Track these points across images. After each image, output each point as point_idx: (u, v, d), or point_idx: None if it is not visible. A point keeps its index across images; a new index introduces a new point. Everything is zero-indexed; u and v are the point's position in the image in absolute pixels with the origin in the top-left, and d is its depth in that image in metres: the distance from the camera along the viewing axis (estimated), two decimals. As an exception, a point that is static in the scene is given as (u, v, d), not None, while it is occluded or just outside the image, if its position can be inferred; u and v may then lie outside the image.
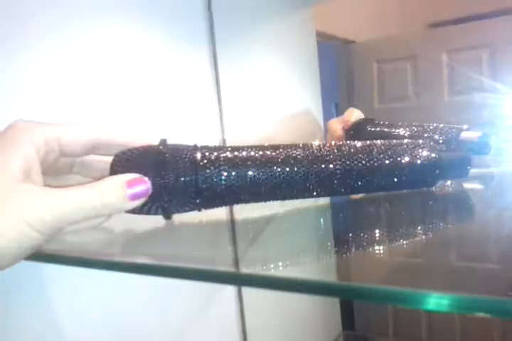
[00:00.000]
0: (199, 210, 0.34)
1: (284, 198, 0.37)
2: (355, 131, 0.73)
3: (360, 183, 0.38)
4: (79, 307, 0.72)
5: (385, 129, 0.71)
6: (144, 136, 0.34)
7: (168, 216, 0.33)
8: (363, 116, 0.78)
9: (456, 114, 1.23)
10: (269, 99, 1.14)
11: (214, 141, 1.00)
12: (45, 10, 0.69)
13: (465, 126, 0.66)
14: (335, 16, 1.33)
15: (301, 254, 0.35)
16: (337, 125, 0.76)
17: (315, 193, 0.37)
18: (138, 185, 0.30)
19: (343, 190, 0.38)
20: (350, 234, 0.42)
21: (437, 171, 0.41)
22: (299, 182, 0.35)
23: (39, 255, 0.35)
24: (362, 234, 0.40)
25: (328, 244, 0.39)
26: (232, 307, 1.04)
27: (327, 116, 1.32)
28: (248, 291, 1.03)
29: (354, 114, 0.76)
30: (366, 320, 1.60)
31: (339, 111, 1.41)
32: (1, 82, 0.63)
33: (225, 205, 0.36)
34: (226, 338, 1.04)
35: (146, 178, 0.31)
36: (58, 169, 0.35)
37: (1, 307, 0.63)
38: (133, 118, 0.82)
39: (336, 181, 0.37)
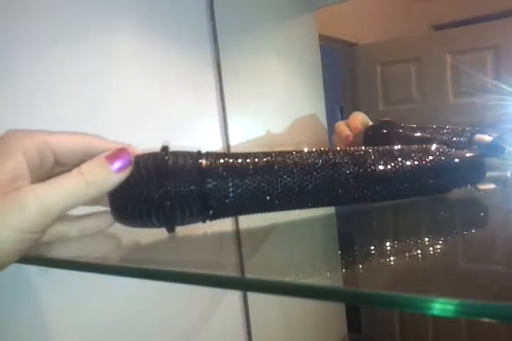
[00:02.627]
0: (203, 221, 0.32)
1: (296, 207, 0.34)
2: (372, 133, 0.74)
3: (373, 191, 0.36)
4: (83, 313, 0.73)
5: (401, 131, 0.71)
6: (133, 147, 0.33)
7: (171, 228, 0.32)
8: (368, 119, 0.78)
9: (461, 116, 1.23)
10: (272, 103, 1.15)
11: (217, 146, 1.00)
12: (48, 12, 0.69)
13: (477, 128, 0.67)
14: (338, 19, 1.33)
15: (306, 263, 0.35)
16: (344, 126, 0.77)
17: (329, 202, 0.35)
18: (119, 156, 0.30)
19: (356, 196, 0.36)
20: (357, 241, 0.42)
21: (452, 177, 0.40)
22: (313, 190, 0.33)
23: (49, 260, 0.35)
24: (368, 242, 0.40)
25: (334, 251, 0.39)
26: (237, 311, 1.04)
27: (331, 119, 1.32)
28: (253, 294, 1.03)
29: (360, 117, 0.76)
30: (373, 322, 1.59)
31: (344, 115, 1.41)
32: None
33: (233, 216, 0.34)
34: (232, 342, 1.04)
35: (125, 148, 0.30)
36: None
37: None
38: (135, 125, 0.82)
39: (349, 189, 0.35)
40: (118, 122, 0.79)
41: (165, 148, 0.32)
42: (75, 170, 0.29)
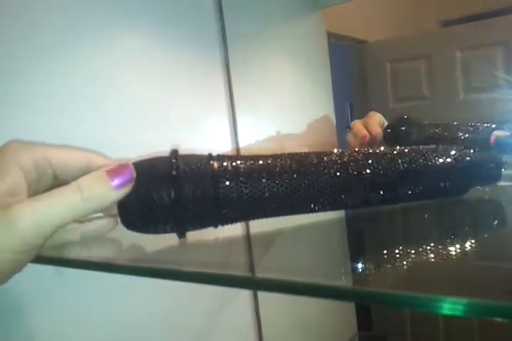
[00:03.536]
0: (215, 226, 0.31)
1: (312, 211, 0.33)
2: (391, 131, 0.74)
3: (389, 192, 0.35)
4: (95, 313, 0.73)
5: (420, 128, 0.71)
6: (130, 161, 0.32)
7: (182, 234, 0.30)
8: (384, 119, 0.78)
9: (472, 112, 1.22)
10: (281, 102, 1.15)
11: (227, 147, 1.00)
12: (52, 16, 0.70)
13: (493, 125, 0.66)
14: (347, 16, 1.33)
15: (316, 263, 0.35)
16: (360, 126, 0.76)
17: (347, 204, 0.34)
18: (120, 172, 0.28)
19: (374, 198, 0.35)
20: (367, 243, 0.42)
21: (468, 177, 0.39)
22: (330, 192, 0.32)
23: (63, 260, 0.35)
24: (379, 243, 0.40)
25: (344, 252, 0.39)
26: (248, 310, 1.05)
27: (341, 117, 1.32)
28: (263, 294, 1.03)
29: (377, 118, 0.76)
30: (384, 320, 1.59)
31: (353, 112, 1.41)
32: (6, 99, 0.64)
33: (246, 220, 0.33)
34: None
35: (128, 164, 0.29)
36: None
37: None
38: (144, 125, 0.82)
39: (366, 191, 0.34)
40: (127, 123, 0.79)
41: (174, 152, 0.30)
42: (72, 184, 0.27)
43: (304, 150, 0.35)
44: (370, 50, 1.42)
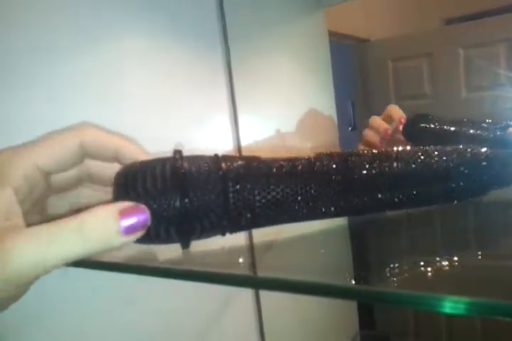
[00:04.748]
0: (223, 234, 0.28)
1: (323, 217, 0.31)
2: (409, 128, 0.73)
3: (403, 195, 0.32)
4: (96, 313, 0.74)
5: (437, 125, 0.71)
6: (135, 144, 0.30)
7: (186, 244, 0.27)
8: (402, 112, 0.77)
9: (474, 110, 1.22)
10: (283, 101, 1.15)
11: (228, 146, 1.00)
12: (52, 16, 0.70)
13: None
14: (349, 15, 1.33)
15: (318, 264, 0.35)
16: (380, 121, 0.75)
17: (363, 208, 0.31)
18: (134, 215, 0.24)
19: (386, 201, 0.32)
20: (370, 243, 0.42)
21: (487, 178, 0.36)
22: (343, 196, 0.30)
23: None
24: (382, 244, 0.40)
25: (347, 253, 0.39)
26: (250, 308, 1.05)
27: (343, 115, 1.32)
28: (265, 292, 1.03)
29: (397, 110, 0.75)
30: (387, 319, 1.59)
31: (356, 110, 1.41)
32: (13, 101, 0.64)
33: (256, 227, 0.30)
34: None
35: (142, 206, 0.25)
36: (64, 186, 0.31)
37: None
38: (146, 124, 0.82)
39: (381, 194, 0.31)
40: (128, 123, 0.79)
41: (178, 152, 0.27)
42: (73, 224, 0.23)
43: (306, 149, 0.35)
44: (372, 49, 1.42)
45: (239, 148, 1.00)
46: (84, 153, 0.29)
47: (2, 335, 0.61)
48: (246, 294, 1.04)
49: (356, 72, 1.45)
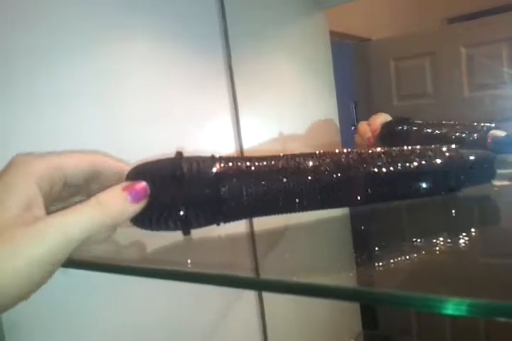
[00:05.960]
0: (218, 224, 0.34)
1: (310, 209, 0.36)
2: (387, 130, 0.76)
3: (382, 190, 0.37)
4: (98, 312, 0.74)
5: (416, 128, 0.72)
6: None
7: (187, 231, 0.33)
8: (382, 121, 0.79)
9: (477, 109, 1.21)
10: (285, 102, 1.14)
11: (230, 148, 1.00)
12: (53, 16, 0.70)
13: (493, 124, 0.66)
14: (350, 15, 1.33)
15: (320, 263, 0.35)
16: (366, 127, 0.79)
17: (341, 203, 0.36)
18: (135, 188, 0.30)
19: (367, 197, 0.37)
20: (371, 242, 0.42)
21: (462, 176, 0.40)
22: (329, 191, 0.35)
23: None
24: (382, 242, 0.40)
25: (348, 251, 0.39)
26: (253, 309, 1.05)
27: (345, 115, 1.31)
28: (268, 294, 1.03)
29: (380, 119, 0.78)
30: (390, 319, 1.59)
31: (358, 110, 1.41)
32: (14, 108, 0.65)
33: (247, 218, 0.35)
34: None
35: (141, 181, 0.31)
36: (62, 198, 0.34)
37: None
38: (148, 126, 0.82)
39: (362, 189, 0.36)
40: (130, 124, 0.79)
41: (179, 153, 0.33)
42: (92, 200, 0.29)
43: (308, 150, 0.36)
44: (373, 48, 1.42)
45: (241, 150, 1.00)
46: (94, 175, 0.33)
47: (2, 335, 0.62)
48: (249, 295, 1.04)
49: (358, 71, 1.45)
